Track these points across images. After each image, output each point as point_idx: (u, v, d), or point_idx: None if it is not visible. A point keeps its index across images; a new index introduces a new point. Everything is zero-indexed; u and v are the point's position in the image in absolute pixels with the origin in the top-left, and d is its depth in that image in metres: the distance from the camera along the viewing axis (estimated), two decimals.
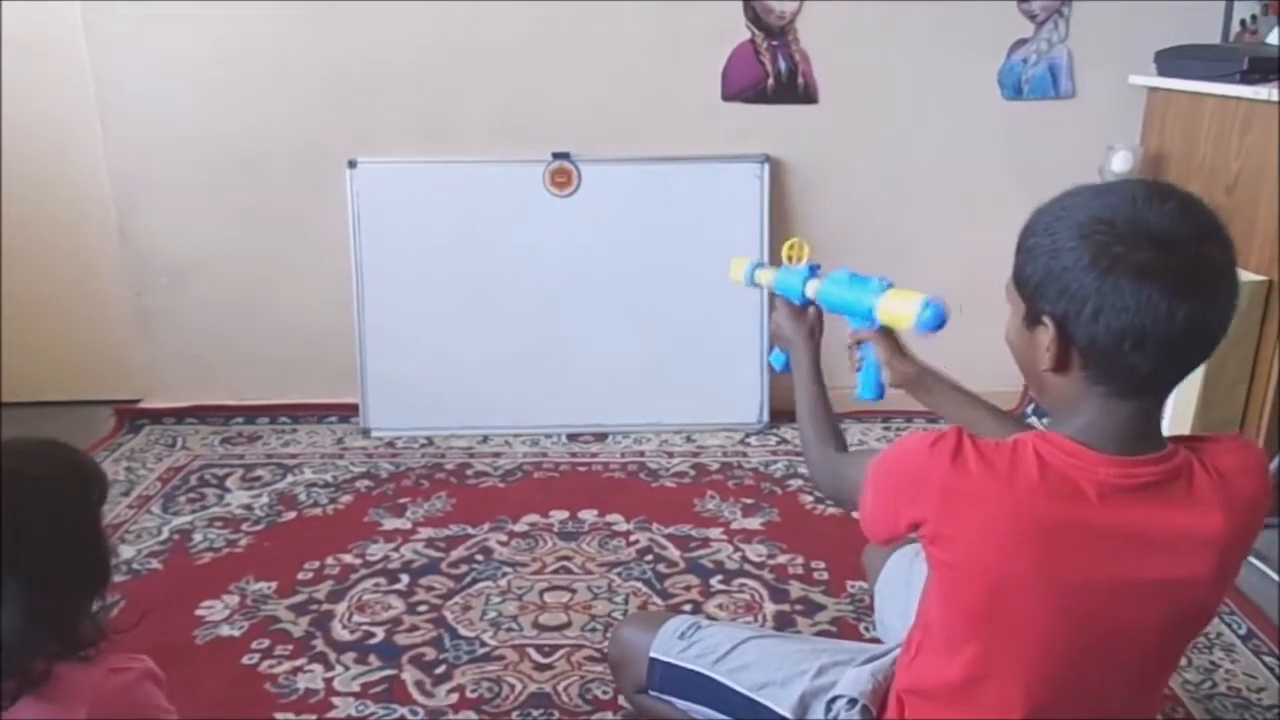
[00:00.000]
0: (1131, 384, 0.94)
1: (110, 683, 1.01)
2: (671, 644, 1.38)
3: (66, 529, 1.00)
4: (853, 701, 1.21)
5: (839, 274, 1.36)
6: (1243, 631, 1.91)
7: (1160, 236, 0.90)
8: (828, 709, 1.22)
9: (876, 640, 1.61)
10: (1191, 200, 0.94)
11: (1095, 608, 0.96)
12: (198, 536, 2.29)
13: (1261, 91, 2.21)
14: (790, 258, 1.45)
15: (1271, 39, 2.48)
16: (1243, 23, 2.62)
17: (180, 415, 2.92)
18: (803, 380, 1.36)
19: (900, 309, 1.25)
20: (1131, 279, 0.89)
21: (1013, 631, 0.98)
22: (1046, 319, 0.94)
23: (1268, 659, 1.84)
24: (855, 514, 1.12)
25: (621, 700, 1.69)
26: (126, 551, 2.21)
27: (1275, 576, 1.98)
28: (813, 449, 1.29)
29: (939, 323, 1.20)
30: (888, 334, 1.33)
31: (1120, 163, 2.57)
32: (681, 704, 1.37)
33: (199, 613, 1.99)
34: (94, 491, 1.06)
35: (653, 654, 1.38)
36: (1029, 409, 2.87)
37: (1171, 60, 2.57)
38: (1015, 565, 0.95)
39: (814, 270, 1.40)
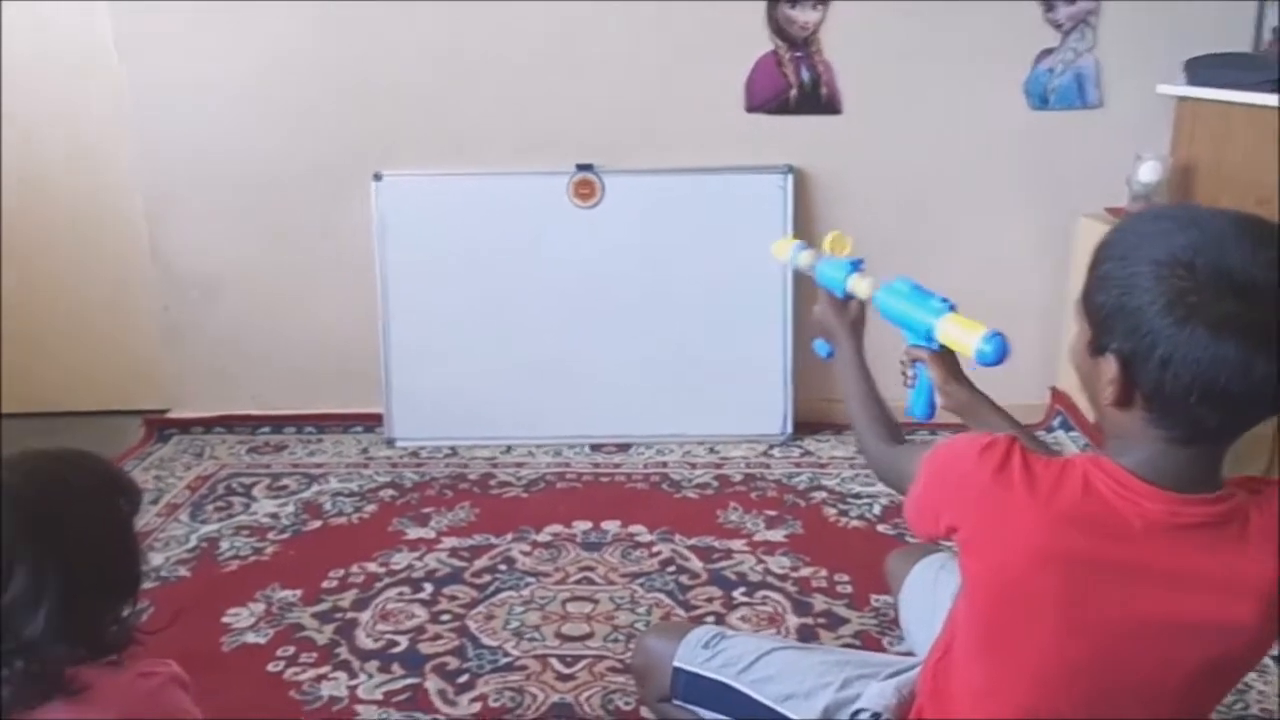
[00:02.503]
0: (1195, 434, 0.90)
1: (138, 687, 1.02)
2: (695, 653, 1.38)
3: (99, 536, 1.02)
4: (876, 716, 1.20)
5: (900, 285, 1.31)
6: (1276, 652, 1.87)
7: (1245, 286, 0.83)
8: None
9: (901, 654, 1.60)
10: None
11: (1118, 644, 0.94)
12: (225, 544, 2.31)
13: None
14: (832, 250, 1.43)
15: None
16: (1274, 31, 2.60)
17: (208, 425, 2.95)
18: (849, 372, 1.35)
19: (961, 337, 1.20)
20: (1208, 331, 0.83)
21: (1024, 652, 0.97)
22: (1112, 354, 0.90)
23: None
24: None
25: (644, 711, 1.69)
26: (155, 559, 2.23)
27: None
28: (867, 439, 1.27)
29: (999, 357, 1.15)
30: (945, 355, 1.29)
31: (1148, 173, 2.55)
32: (705, 714, 1.36)
33: (225, 620, 2.01)
34: (127, 501, 1.07)
35: (676, 663, 1.38)
36: (1055, 423, 2.84)
37: (1201, 69, 2.55)
38: (1038, 588, 0.93)
39: (856, 265, 1.38)
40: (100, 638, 1.02)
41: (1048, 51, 2.70)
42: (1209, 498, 0.92)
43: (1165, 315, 0.85)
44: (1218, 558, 0.91)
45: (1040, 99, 2.74)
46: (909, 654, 1.51)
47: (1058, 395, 2.87)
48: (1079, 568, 0.92)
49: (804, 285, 2.75)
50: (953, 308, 1.25)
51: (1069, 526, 0.91)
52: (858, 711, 1.22)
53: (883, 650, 1.84)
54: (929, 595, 1.47)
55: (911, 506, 1.06)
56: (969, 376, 1.32)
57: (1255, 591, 0.91)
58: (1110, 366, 0.91)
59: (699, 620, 1.97)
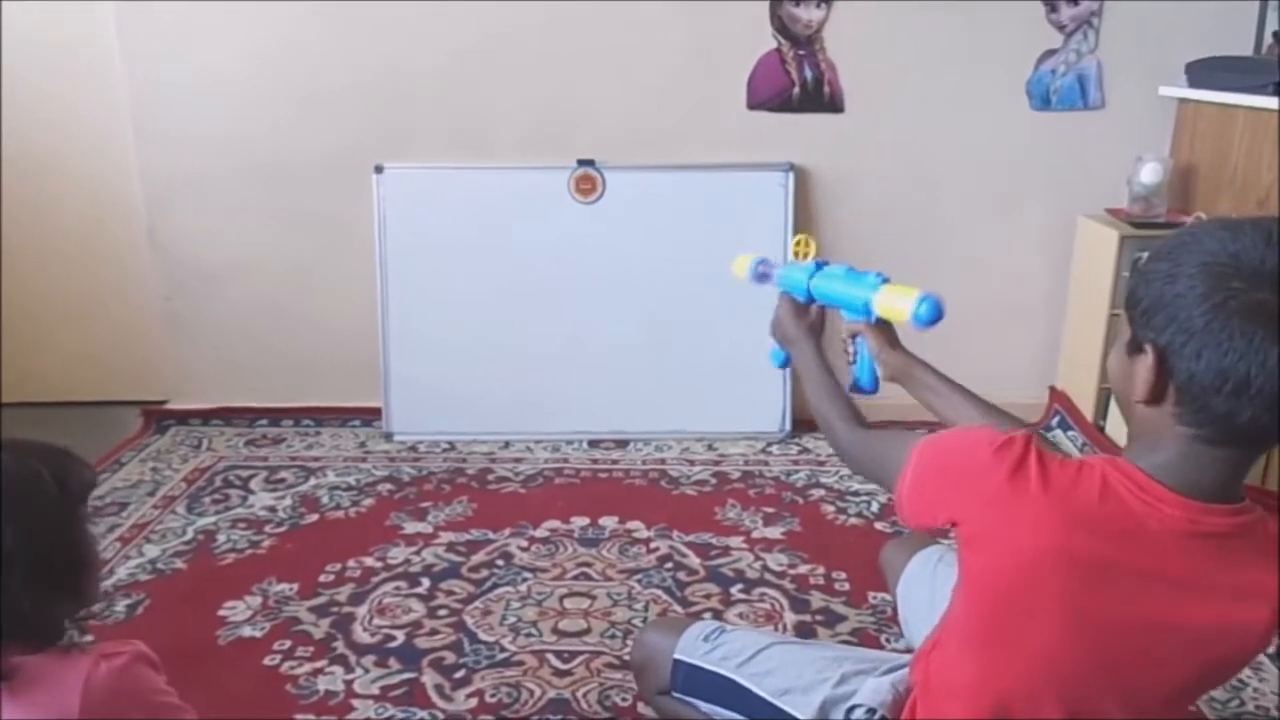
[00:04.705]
0: (1222, 432, 0.88)
1: (101, 670, 1.01)
2: (696, 646, 1.38)
3: (31, 527, 1.00)
4: (871, 711, 1.20)
5: (835, 269, 1.39)
6: (1271, 650, 1.88)
7: None
8: (846, 717, 1.22)
9: (899, 650, 1.60)
10: None
11: (1122, 646, 0.94)
12: (221, 537, 2.31)
13: None
14: (798, 254, 1.47)
15: None
16: (1275, 34, 2.60)
17: (206, 417, 2.95)
18: (810, 371, 1.36)
19: (897, 303, 1.26)
20: (1243, 319, 0.82)
21: (1023, 648, 0.97)
22: (1148, 346, 0.89)
23: None
24: (889, 492, 1.09)
25: (641, 707, 1.69)
26: (151, 551, 2.23)
27: None
28: (837, 426, 1.26)
29: (934, 317, 1.21)
30: (882, 327, 1.35)
31: (1149, 174, 2.55)
32: (704, 706, 1.37)
33: (221, 613, 2.01)
34: (70, 490, 1.05)
35: (677, 655, 1.39)
36: (1053, 422, 2.85)
37: (1203, 72, 2.55)
38: (1046, 587, 0.93)
39: (820, 267, 1.42)
40: (42, 628, 1.01)
41: (1050, 52, 2.70)
42: (1230, 508, 0.91)
43: (1203, 302, 0.84)
44: (1234, 568, 0.91)
45: (1042, 100, 2.74)
46: (907, 650, 1.51)
47: (1056, 394, 2.88)
48: (1090, 569, 0.91)
49: None
50: (886, 280, 1.30)
51: (1083, 528, 0.91)
52: (854, 707, 1.22)
53: (880, 647, 1.85)
54: (927, 589, 1.47)
55: (907, 495, 1.03)
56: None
57: (1267, 602, 0.91)
58: (1146, 360, 0.89)
59: (697, 617, 1.97)
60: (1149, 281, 0.90)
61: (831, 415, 1.27)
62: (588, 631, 1.94)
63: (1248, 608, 0.92)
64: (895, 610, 1.67)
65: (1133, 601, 0.92)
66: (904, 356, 1.35)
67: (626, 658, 1.83)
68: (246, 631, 1.95)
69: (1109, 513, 0.91)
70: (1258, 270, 0.84)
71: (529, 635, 1.93)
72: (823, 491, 2.51)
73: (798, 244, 1.48)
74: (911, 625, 1.52)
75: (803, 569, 2.16)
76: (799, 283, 1.42)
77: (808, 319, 1.42)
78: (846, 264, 1.39)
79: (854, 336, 1.39)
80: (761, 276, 1.52)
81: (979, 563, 0.98)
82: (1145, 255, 0.96)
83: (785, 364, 1.47)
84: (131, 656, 1.05)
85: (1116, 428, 2.60)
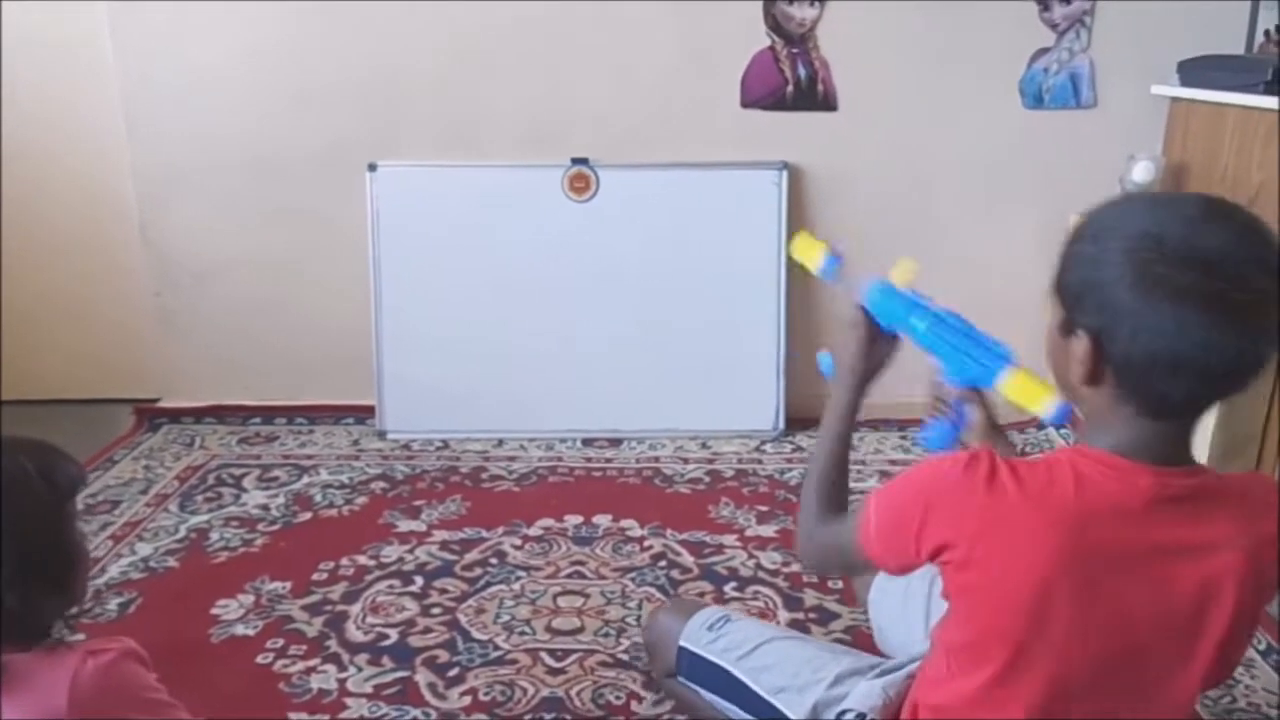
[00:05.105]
0: (1162, 407, 0.92)
1: (88, 666, 1.00)
2: (700, 634, 1.40)
3: (19, 523, 1.00)
4: (861, 716, 1.21)
5: (955, 320, 1.23)
6: (1262, 647, 1.89)
7: (1210, 260, 0.84)
8: None
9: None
10: (1252, 223, 0.88)
11: (1137, 634, 0.95)
12: (214, 535, 2.30)
13: None
14: (899, 280, 1.28)
15: None
16: (1266, 33, 2.60)
17: (199, 415, 2.94)
18: (837, 420, 1.26)
19: (1031, 398, 1.14)
20: (1172, 303, 0.85)
21: (1041, 647, 0.96)
22: (1082, 331, 0.92)
23: None
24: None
25: (634, 706, 1.69)
26: (143, 549, 2.23)
27: None
28: (813, 513, 1.22)
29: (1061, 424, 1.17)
30: (985, 403, 1.28)
31: (1141, 173, 2.55)
32: (707, 695, 1.38)
33: (214, 611, 2.00)
34: (57, 487, 1.05)
35: (681, 642, 1.40)
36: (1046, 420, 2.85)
37: (1195, 70, 2.56)
38: (1052, 592, 0.93)
39: (927, 308, 1.25)
40: (30, 626, 1.01)
41: (1043, 51, 2.71)
42: (1187, 471, 0.94)
43: (1133, 288, 0.86)
44: (1204, 524, 0.93)
45: (1035, 98, 2.74)
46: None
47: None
48: (1086, 560, 0.92)
49: (797, 282, 2.76)
50: (1011, 357, 1.20)
51: (1073, 524, 0.92)
52: (844, 712, 1.23)
53: (872, 644, 1.84)
54: (900, 594, 1.47)
55: (876, 538, 1.04)
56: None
57: (1238, 546, 0.93)
58: (1080, 344, 0.92)
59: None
60: (1075, 265, 0.93)
61: (817, 497, 1.23)
62: (581, 630, 1.94)
63: (1222, 554, 0.93)
64: (869, 615, 1.66)
65: (1129, 578, 0.93)
66: (1006, 442, 1.31)
67: (621, 656, 1.85)
68: (239, 630, 1.95)
69: (1088, 502, 0.92)
70: (1181, 252, 0.85)
71: (522, 634, 1.93)
72: None
73: (905, 271, 1.28)
74: (886, 632, 1.52)
75: (796, 567, 2.16)
76: (896, 316, 1.25)
77: (876, 355, 1.27)
78: (960, 315, 1.23)
79: (957, 400, 1.29)
80: (837, 278, 1.37)
81: (977, 581, 0.97)
82: (1068, 231, 0.96)
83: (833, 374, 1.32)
84: (119, 653, 1.04)
85: None
